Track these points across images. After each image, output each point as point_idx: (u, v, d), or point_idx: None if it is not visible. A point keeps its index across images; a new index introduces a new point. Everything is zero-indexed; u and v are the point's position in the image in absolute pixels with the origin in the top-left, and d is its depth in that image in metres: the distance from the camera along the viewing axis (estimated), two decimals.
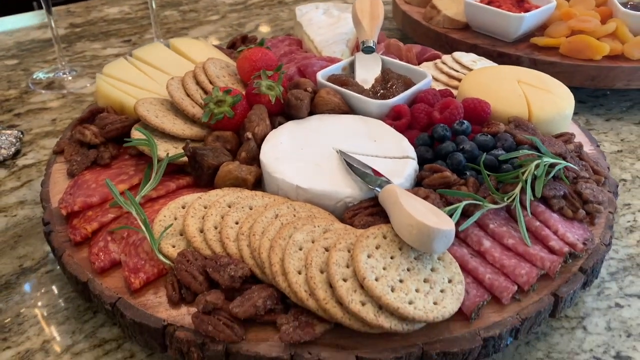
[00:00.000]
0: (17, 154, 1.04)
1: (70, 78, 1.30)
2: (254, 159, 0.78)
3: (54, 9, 1.21)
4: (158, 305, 0.62)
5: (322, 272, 0.59)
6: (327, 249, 0.61)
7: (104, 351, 0.68)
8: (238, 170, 0.74)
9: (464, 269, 0.64)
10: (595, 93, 1.25)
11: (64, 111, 1.18)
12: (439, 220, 0.60)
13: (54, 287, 0.77)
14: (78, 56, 1.43)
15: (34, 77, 1.31)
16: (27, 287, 0.77)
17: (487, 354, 0.61)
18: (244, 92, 0.86)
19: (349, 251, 0.61)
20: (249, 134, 0.78)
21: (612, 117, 1.18)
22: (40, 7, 2.03)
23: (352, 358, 0.56)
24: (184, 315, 0.61)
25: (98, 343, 0.69)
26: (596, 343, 0.71)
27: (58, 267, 0.79)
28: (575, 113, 1.16)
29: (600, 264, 0.71)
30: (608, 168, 0.85)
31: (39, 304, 0.75)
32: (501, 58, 1.17)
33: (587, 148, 0.88)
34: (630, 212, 0.92)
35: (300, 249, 0.62)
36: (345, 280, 0.58)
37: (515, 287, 0.63)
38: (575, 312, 0.74)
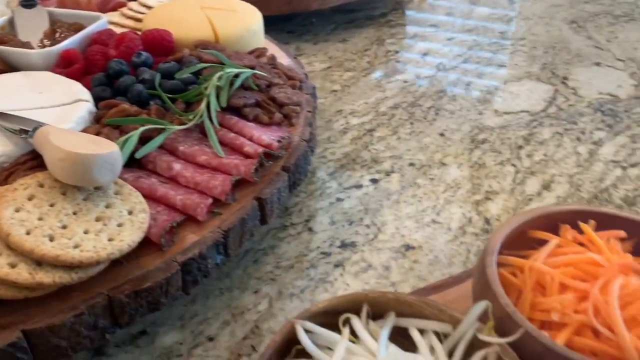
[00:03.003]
0: None
1: None
2: None
3: None
4: None
5: None
6: None
7: None
8: None
9: (154, 197, 0.56)
10: (304, 22, 1.28)
11: None
12: (97, 147, 0.51)
13: None
14: None
15: None
16: None
17: (195, 280, 0.54)
18: None
19: None
20: None
21: (319, 40, 1.21)
22: None
23: (17, 334, 0.45)
24: None
25: None
26: (322, 239, 0.69)
27: None
28: (285, 43, 1.16)
29: (304, 161, 0.69)
30: (305, 75, 0.84)
31: None
32: None
33: (285, 61, 0.87)
34: (343, 117, 0.94)
35: None
36: None
37: (210, 200, 0.57)
38: (300, 218, 0.72)
